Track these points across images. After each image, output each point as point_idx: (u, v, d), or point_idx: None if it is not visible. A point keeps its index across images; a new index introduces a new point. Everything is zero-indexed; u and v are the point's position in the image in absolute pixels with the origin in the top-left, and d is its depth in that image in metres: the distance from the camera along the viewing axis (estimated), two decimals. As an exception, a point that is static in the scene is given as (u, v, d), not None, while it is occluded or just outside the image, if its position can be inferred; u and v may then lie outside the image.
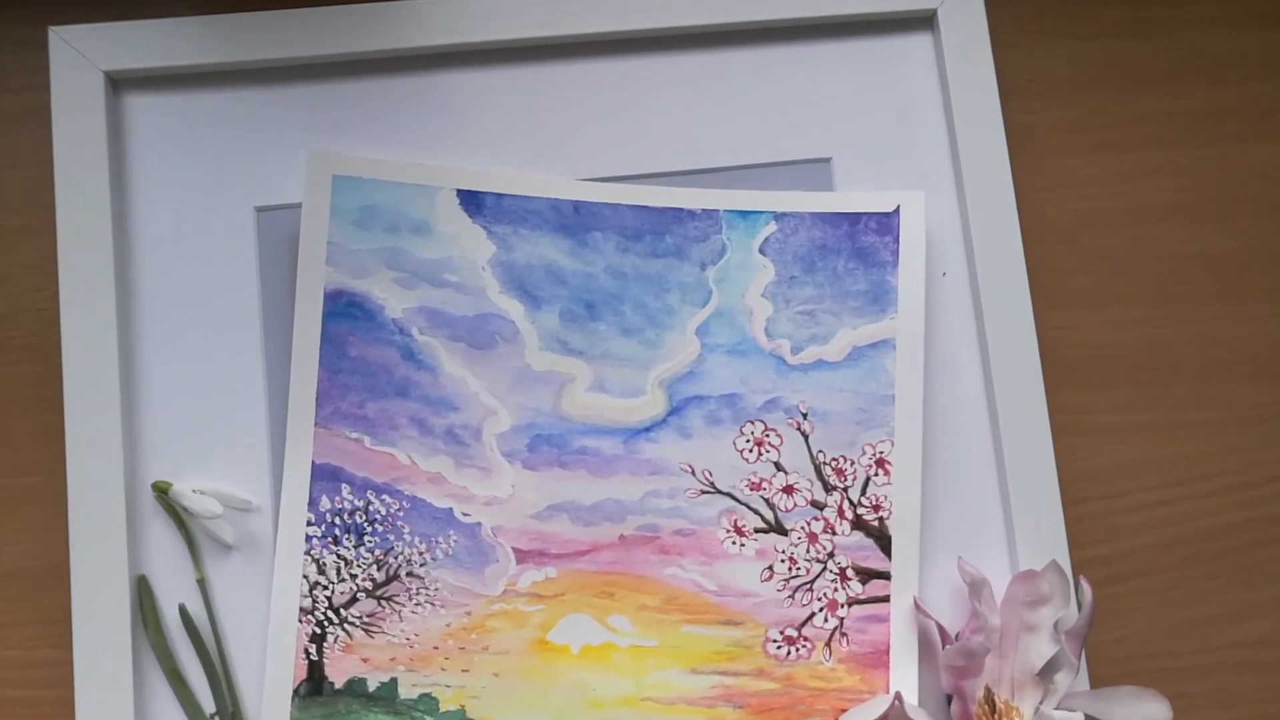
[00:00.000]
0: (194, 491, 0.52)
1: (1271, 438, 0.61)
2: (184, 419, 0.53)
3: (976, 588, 0.51)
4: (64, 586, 0.52)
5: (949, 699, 0.52)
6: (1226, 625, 0.59)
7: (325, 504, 0.52)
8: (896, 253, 0.55)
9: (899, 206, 0.55)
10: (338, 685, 0.51)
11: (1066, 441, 0.59)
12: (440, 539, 0.53)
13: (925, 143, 0.57)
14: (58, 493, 0.54)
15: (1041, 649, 0.51)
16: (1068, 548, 0.54)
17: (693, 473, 0.54)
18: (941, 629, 0.51)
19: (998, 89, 0.57)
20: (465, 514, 0.53)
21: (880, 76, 0.58)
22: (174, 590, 0.52)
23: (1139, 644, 0.58)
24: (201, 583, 0.52)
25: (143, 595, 0.51)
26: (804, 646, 0.53)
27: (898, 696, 0.49)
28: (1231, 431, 0.60)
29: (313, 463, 0.52)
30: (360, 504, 0.52)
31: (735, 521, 0.54)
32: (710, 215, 0.55)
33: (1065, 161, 0.62)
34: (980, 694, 0.51)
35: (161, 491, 0.52)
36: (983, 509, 0.55)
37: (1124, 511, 0.59)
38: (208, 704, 0.52)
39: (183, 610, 0.52)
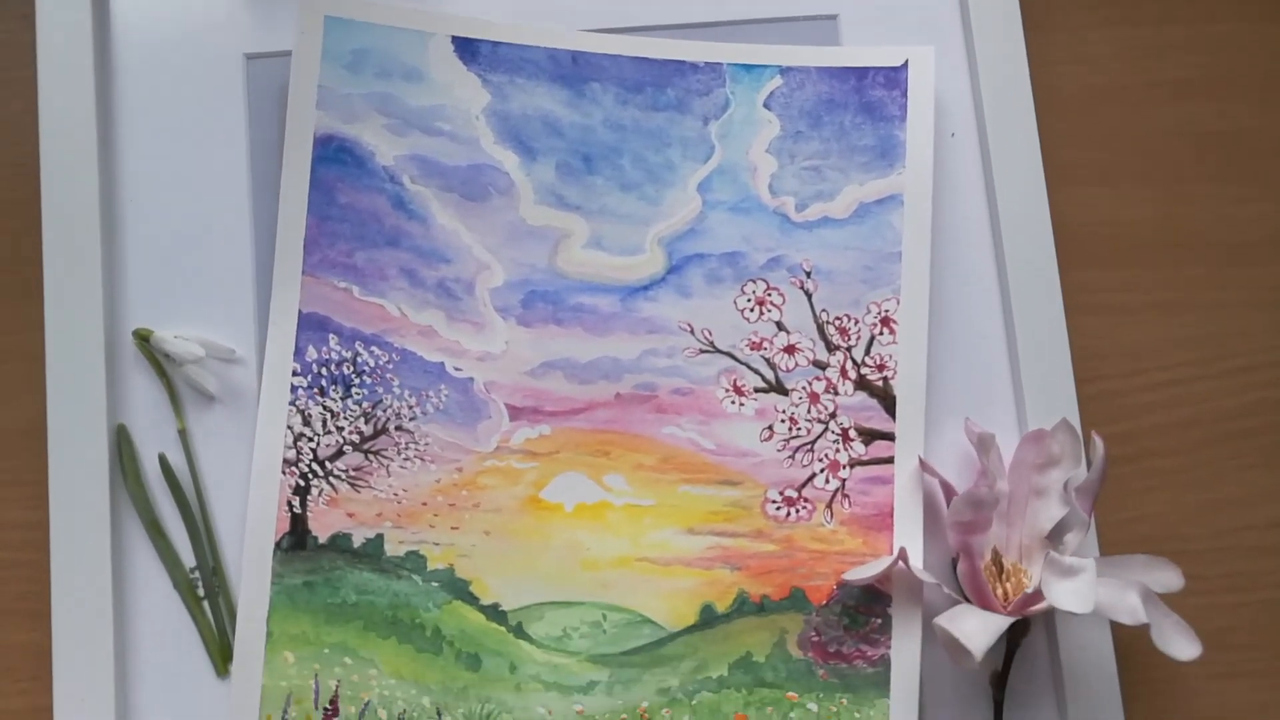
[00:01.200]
0: (175, 338, 0.50)
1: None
2: (167, 267, 0.52)
3: (984, 444, 0.49)
4: (40, 448, 0.50)
5: (954, 564, 0.50)
6: (1241, 508, 0.57)
7: (312, 354, 0.51)
8: (905, 107, 0.53)
9: (907, 61, 0.53)
10: (321, 540, 0.50)
11: (1078, 320, 0.57)
12: (431, 393, 0.51)
13: (935, 5, 0.56)
14: (35, 351, 0.52)
15: (1051, 512, 0.50)
16: (1078, 410, 0.52)
17: (692, 332, 0.52)
18: (947, 487, 0.49)
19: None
20: (457, 369, 0.51)
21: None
22: (154, 442, 0.50)
23: (1151, 525, 0.56)
24: (183, 433, 0.50)
25: (122, 445, 0.50)
26: (804, 508, 0.51)
27: (902, 553, 0.47)
28: (1247, 313, 0.59)
29: (300, 312, 0.51)
30: (348, 355, 0.51)
31: (735, 381, 0.52)
32: (713, 69, 0.53)
33: (1079, 35, 0.60)
34: (988, 555, 0.49)
35: (143, 339, 0.50)
36: (991, 373, 0.53)
37: (1137, 391, 0.58)
38: (187, 558, 0.50)
39: (163, 460, 0.50)
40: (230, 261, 0.51)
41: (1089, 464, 0.49)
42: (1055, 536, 0.50)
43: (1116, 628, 0.52)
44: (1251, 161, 0.60)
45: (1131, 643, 0.54)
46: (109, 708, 0.48)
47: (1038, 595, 0.47)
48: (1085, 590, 0.43)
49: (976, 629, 0.45)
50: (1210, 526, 0.57)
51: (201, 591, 0.50)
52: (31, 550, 0.51)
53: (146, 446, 0.50)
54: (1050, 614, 0.51)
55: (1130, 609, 0.45)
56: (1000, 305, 0.53)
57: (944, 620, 0.45)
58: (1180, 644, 0.45)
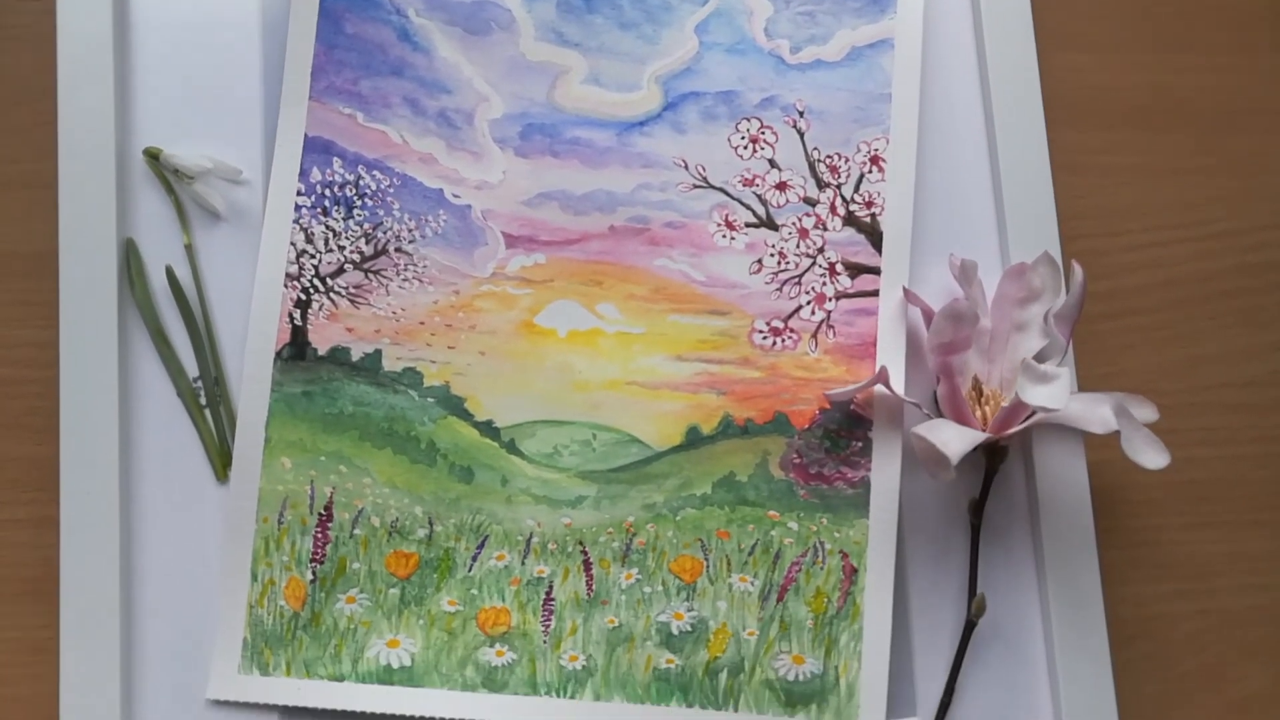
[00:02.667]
0: (187, 158, 0.51)
1: (1269, 189, 0.60)
2: (177, 90, 0.53)
3: (967, 274, 0.51)
4: (51, 272, 0.52)
5: (935, 394, 0.51)
6: (1218, 366, 0.58)
7: (316, 176, 0.52)
8: (898, -45, 0.54)
9: (903, -89, 0.54)
10: (321, 352, 0.51)
11: (1063, 180, 0.58)
12: (430, 218, 0.52)
13: None
14: (48, 179, 0.53)
15: (1031, 344, 0.51)
16: (1060, 245, 0.53)
17: (685, 167, 0.53)
18: (929, 315, 0.51)
19: None
20: (455, 195, 0.53)
21: None
22: (162, 257, 0.52)
23: (1130, 380, 0.58)
24: (189, 248, 0.52)
25: (130, 259, 0.51)
26: (790, 338, 0.52)
27: (882, 372, 0.48)
28: (1230, 179, 0.60)
29: (305, 135, 0.52)
30: (351, 178, 0.52)
31: (726, 216, 0.53)
32: (713, -83, 0.55)
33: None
34: (969, 378, 0.51)
35: (152, 157, 0.52)
36: (975, 214, 0.54)
37: (1120, 251, 0.59)
38: (190, 368, 0.51)
39: (169, 271, 0.51)
40: (239, 86, 0.53)
41: (1068, 290, 0.51)
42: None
43: (1093, 472, 0.54)
44: (1240, 33, 0.61)
45: (1107, 493, 0.56)
46: (113, 513, 0.49)
47: (1016, 411, 0.49)
48: (1059, 390, 0.45)
49: (954, 437, 0.47)
50: (1188, 382, 0.58)
51: (203, 400, 0.51)
52: (40, 368, 0.53)
53: (154, 261, 0.52)
54: (1028, 446, 0.53)
55: (1102, 419, 0.46)
56: (986, 149, 0.55)
57: (922, 429, 0.47)
58: (1149, 454, 0.46)
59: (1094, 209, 0.59)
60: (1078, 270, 0.49)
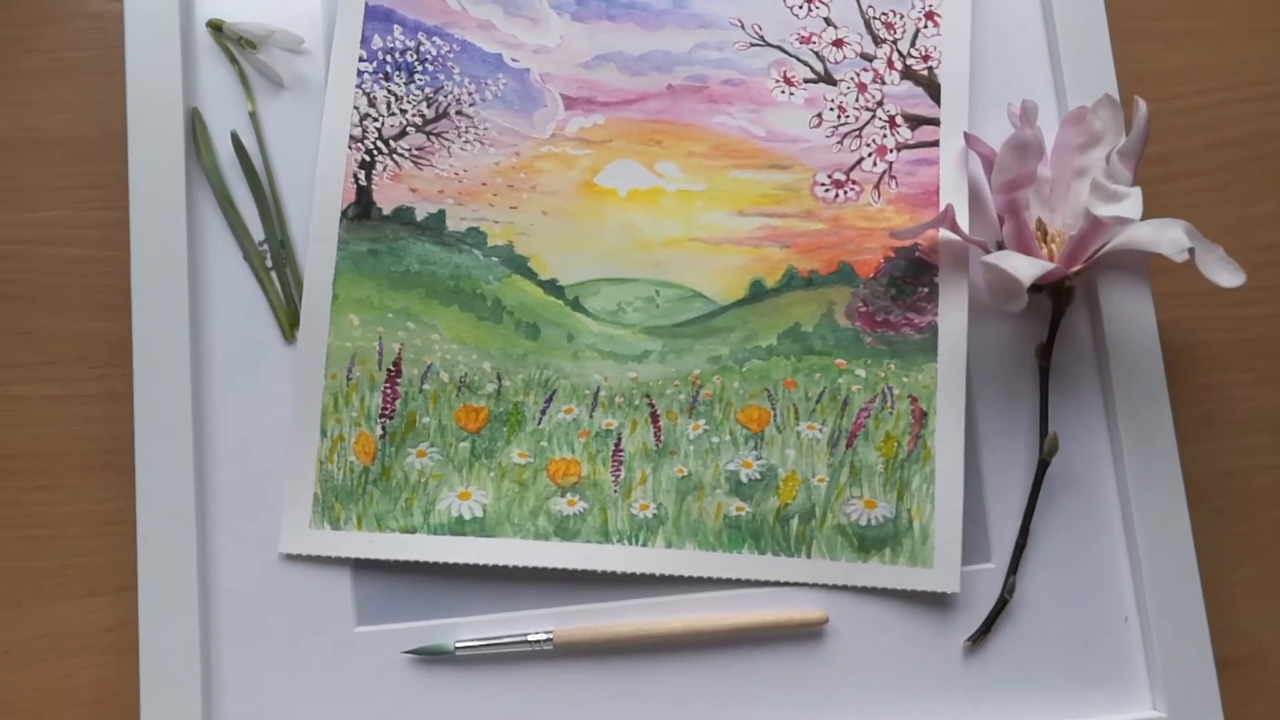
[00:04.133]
0: (249, 29, 0.52)
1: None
2: (238, -35, 0.54)
3: (1028, 115, 0.50)
4: (120, 154, 0.52)
5: (999, 242, 0.51)
6: (1277, 225, 0.58)
7: (377, 43, 0.53)
8: None
9: None
10: (385, 211, 0.52)
11: (1117, 46, 0.58)
12: (489, 81, 0.53)
13: None
14: (115, 64, 0.54)
15: (1094, 188, 0.51)
16: (1118, 92, 0.53)
17: (742, 27, 0.54)
18: (990, 159, 0.51)
19: None
20: (514, 60, 0.53)
21: None
22: (227, 125, 0.53)
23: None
24: (253, 115, 0.52)
25: (196, 127, 0.52)
26: (852, 189, 0.53)
27: (948, 210, 0.48)
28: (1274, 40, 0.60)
29: (365, 3, 0.53)
30: (411, 44, 0.53)
31: (785, 73, 0.53)
32: None
33: None
34: (1035, 213, 0.50)
35: (215, 29, 0.53)
36: (1032, 65, 0.54)
37: (1176, 114, 0.59)
38: (256, 232, 0.52)
39: (235, 137, 0.52)
40: (299, -42, 0.54)
41: (1131, 129, 0.50)
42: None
43: (1161, 310, 0.53)
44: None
45: (1174, 351, 0.55)
46: (185, 381, 0.49)
47: (1084, 243, 0.48)
48: (1133, 204, 0.44)
49: (1024, 264, 0.46)
50: (1247, 241, 0.58)
51: (269, 263, 0.52)
52: (111, 248, 0.53)
53: (219, 130, 0.52)
54: (1093, 293, 0.52)
55: (1174, 240, 0.46)
56: (1042, 3, 0.55)
57: (993, 258, 0.47)
58: (1225, 273, 0.46)
59: (1147, 73, 0.59)
60: (1141, 105, 0.49)
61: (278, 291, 0.51)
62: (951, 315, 0.51)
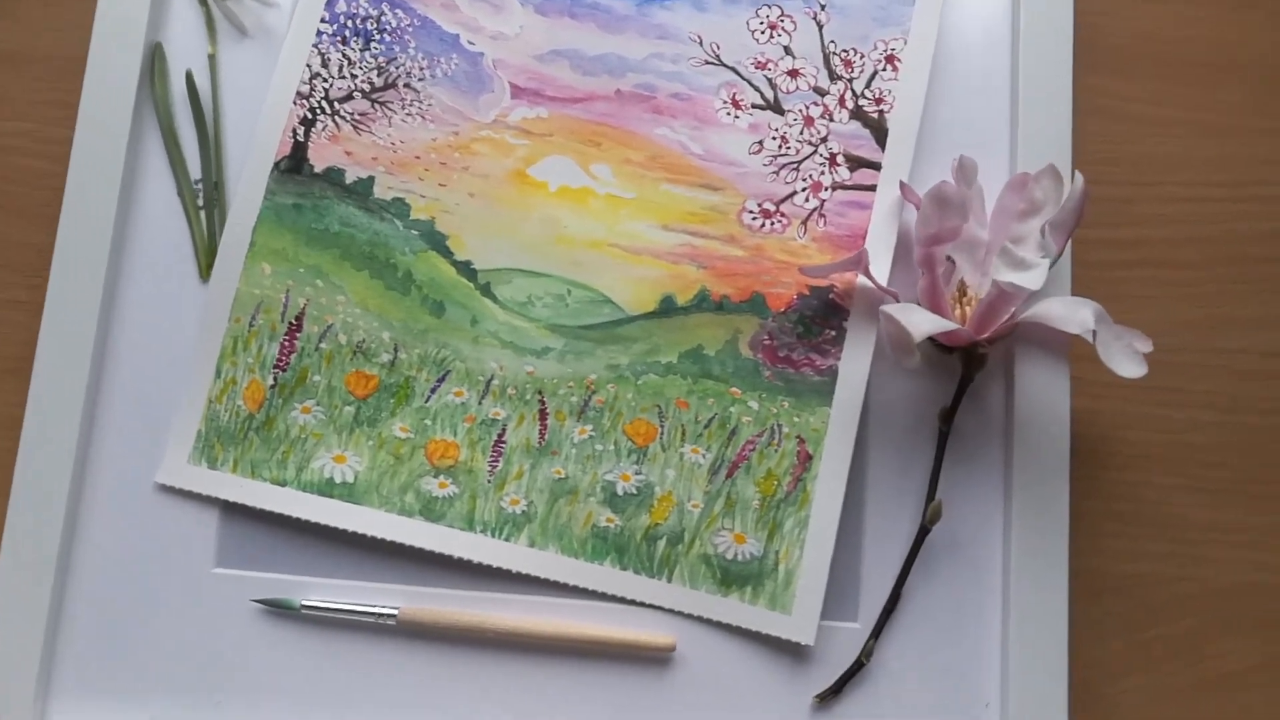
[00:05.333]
0: (221, -27, 0.54)
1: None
2: (226, -86, 0.55)
3: (966, 173, 0.49)
4: (79, 72, 0.54)
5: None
6: (1238, 331, 0.56)
7: (341, 6, 0.54)
8: None
9: None
10: (317, 169, 0.52)
11: (1104, 125, 0.57)
12: (442, 59, 0.53)
13: None
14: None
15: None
16: (1071, 165, 0.51)
17: (700, 43, 0.53)
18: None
19: None
20: (471, 42, 0.54)
21: None
22: (185, 63, 0.54)
23: (1144, 330, 0.55)
24: (212, 59, 0.54)
25: (155, 60, 0.53)
26: (779, 221, 0.52)
27: (862, 254, 0.47)
28: None
29: (336, -34, 0.54)
30: (374, 13, 0.54)
31: (734, 95, 0.53)
32: None
33: None
34: (955, 286, 0.49)
35: (192, -30, 0.54)
36: (988, 125, 0.53)
37: (1155, 200, 0.57)
38: (195, 171, 0.53)
39: (189, 76, 0.53)
40: (283, -85, 0.55)
41: (1068, 201, 0.49)
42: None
43: (1081, 420, 0.51)
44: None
45: (1094, 442, 0.53)
46: (95, 298, 0.51)
47: (994, 307, 0.47)
48: (1035, 275, 0.43)
49: (920, 319, 0.45)
50: (1204, 344, 0.55)
51: (201, 202, 0.53)
52: (53, 161, 0.55)
53: (178, 66, 0.54)
54: (1010, 364, 0.51)
55: (1081, 320, 0.44)
56: (1009, 62, 0.53)
57: (892, 308, 0.46)
58: (1126, 363, 0.44)
59: (1131, 156, 0.57)
60: (1078, 179, 0.48)
61: (203, 231, 0.52)
62: (854, 362, 0.50)
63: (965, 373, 0.49)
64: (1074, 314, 0.45)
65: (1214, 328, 0.56)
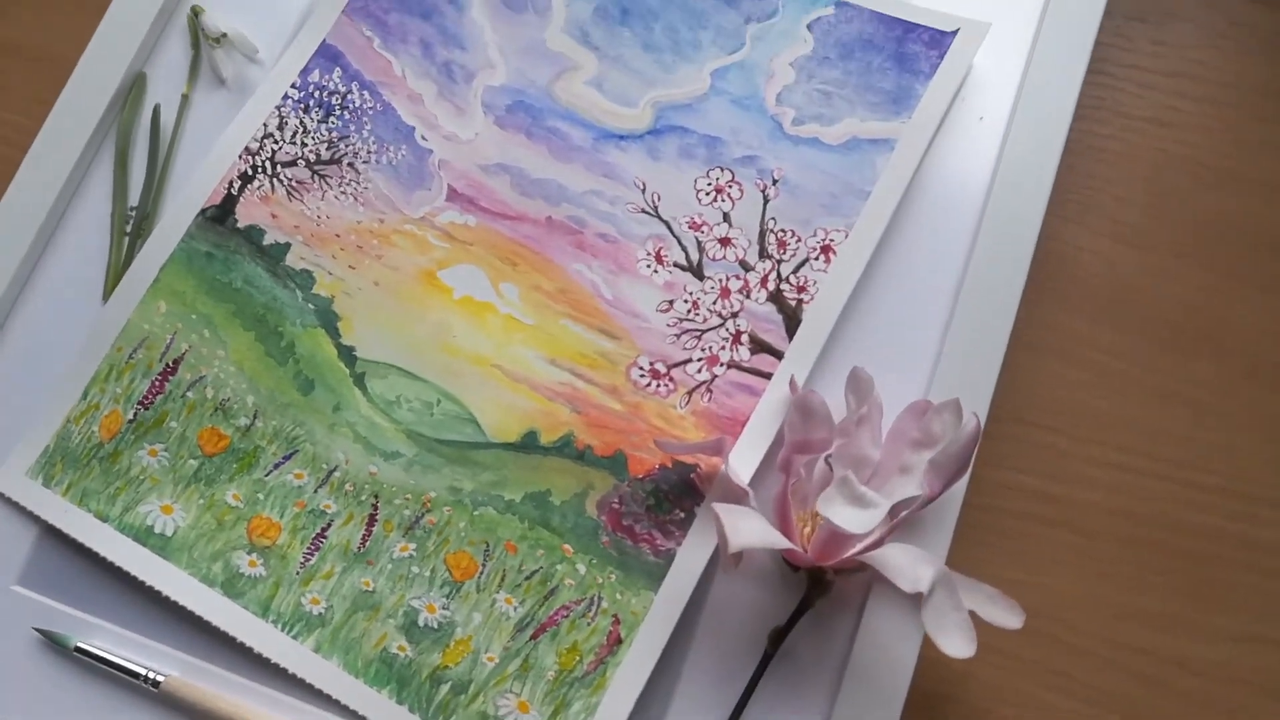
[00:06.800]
0: (222, 24, 0.55)
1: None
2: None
3: (860, 387, 0.46)
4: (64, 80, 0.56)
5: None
6: (1143, 625, 0.50)
7: (315, 76, 0.55)
8: (936, 67, 0.52)
9: (959, 30, 0.52)
10: (240, 224, 0.53)
11: (1047, 363, 0.53)
12: (391, 147, 0.54)
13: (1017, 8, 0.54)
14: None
15: (906, 490, 0.45)
16: (988, 412, 0.47)
17: (643, 190, 0.52)
18: (805, 413, 0.46)
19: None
20: (424, 138, 0.54)
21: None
22: (160, 97, 0.56)
23: (1043, 598, 0.50)
24: (185, 98, 0.56)
25: (134, 87, 0.56)
26: (666, 385, 0.49)
27: (721, 441, 0.44)
28: (1243, 434, 0.52)
29: (324, 40, 0.55)
30: (343, 89, 0.55)
31: (660, 249, 0.51)
32: (775, -19, 0.54)
33: (1164, 101, 0.57)
34: (810, 507, 0.45)
35: (195, 14, 0.56)
36: (910, 344, 0.49)
37: (1085, 462, 0.52)
38: (136, 199, 0.54)
39: (156, 109, 0.55)
40: (293, -17, 0.57)
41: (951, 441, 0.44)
42: (895, 513, 0.45)
43: (927, 647, 0.46)
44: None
45: (938, 686, 0.48)
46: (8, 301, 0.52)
47: (838, 539, 0.43)
48: (865, 516, 0.39)
49: (750, 528, 0.41)
50: (1106, 632, 0.50)
51: (129, 228, 0.54)
52: (15, 150, 0.57)
53: (153, 97, 0.56)
54: (864, 602, 0.46)
55: (915, 578, 0.40)
56: (954, 285, 0.50)
57: (723, 508, 0.42)
58: (955, 639, 0.39)
59: (1074, 405, 0.52)
60: (971, 421, 0.43)
61: (120, 255, 0.53)
62: (694, 552, 0.46)
63: (806, 597, 0.45)
64: (912, 569, 0.40)
65: (1121, 618, 0.50)
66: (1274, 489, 0.51)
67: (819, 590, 0.45)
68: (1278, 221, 0.55)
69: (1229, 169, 0.56)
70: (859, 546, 0.43)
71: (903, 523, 0.45)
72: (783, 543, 0.42)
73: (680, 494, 0.47)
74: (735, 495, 0.46)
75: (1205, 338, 0.53)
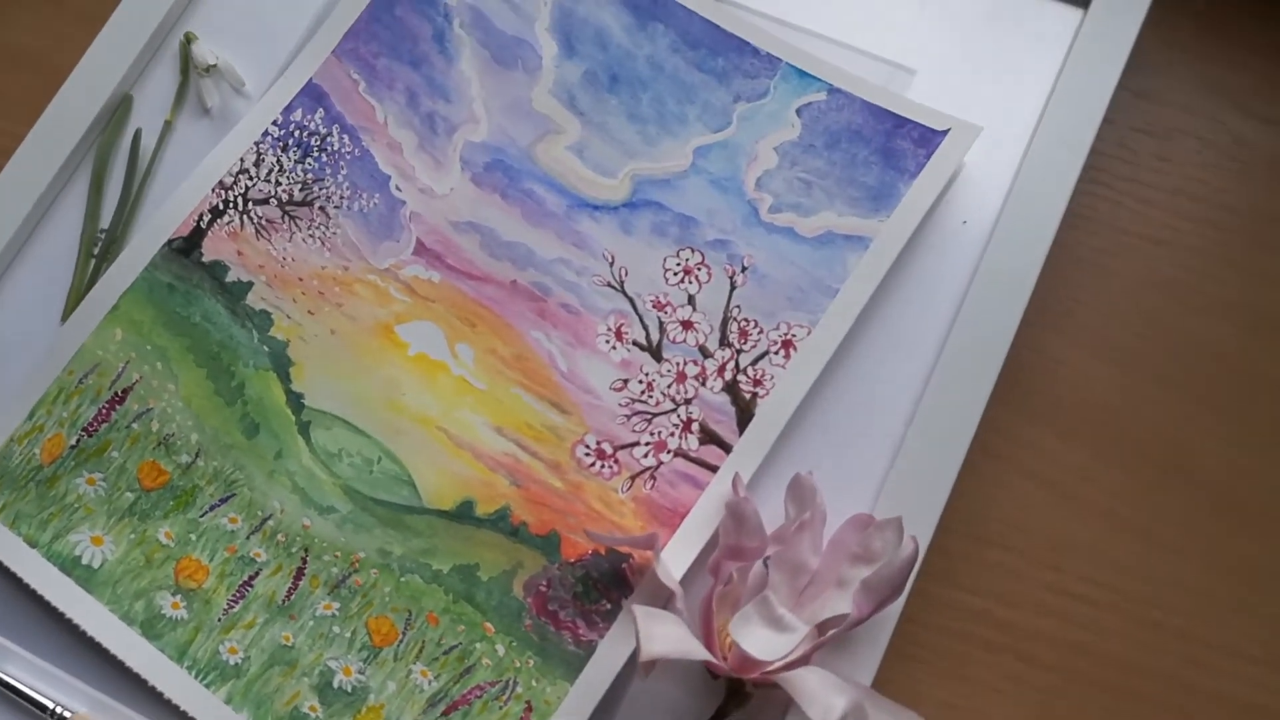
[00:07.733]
0: (212, 54, 0.55)
1: (1245, 605, 0.49)
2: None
3: (802, 493, 0.45)
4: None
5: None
6: (1085, 771, 0.48)
7: (297, 115, 0.54)
8: (922, 167, 0.50)
9: (950, 131, 0.51)
10: (205, 258, 0.53)
11: (1010, 481, 0.51)
12: (365, 195, 0.53)
13: (1020, 104, 0.53)
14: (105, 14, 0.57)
15: (837, 606, 0.44)
16: (934, 529, 0.46)
17: (611, 263, 0.51)
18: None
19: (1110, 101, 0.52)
20: (398, 188, 0.53)
21: (1018, 38, 0.54)
22: (143, 121, 0.56)
23: (972, 723, 0.48)
24: (168, 125, 0.55)
25: (119, 109, 0.55)
26: (610, 467, 0.48)
27: (652, 537, 0.43)
28: (1210, 577, 0.50)
29: (309, 79, 0.55)
30: (323, 131, 0.54)
31: (620, 325, 0.50)
32: (771, 62, 0.53)
33: (1163, 221, 0.55)
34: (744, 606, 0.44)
35: (187, 42, 0.56)
36: (862, 452, 0.48)
37: (1039, 585, 0.50)
38: (107, 221, 0.54)
39: (137, 134, 0.55)
40: (292, 18, 0.57)
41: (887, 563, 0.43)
42: (824, 629, 0.44)
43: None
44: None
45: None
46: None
47: (758, 659, 0.42)
48: (781, 641, 0.38)
49: (665, 635, 0.40)
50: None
51: (97, 251, 0.54)
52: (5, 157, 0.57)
53: (137, 121, 0.56)
54: (785, 714, 0.44)
55: (826, 706, 0.38)
56: (915, 392, 0.49)
57: (642, 610, 0.41)
58: (858, 777, 0.38)
59: (1032, 525, 0.51)
60: (908, 544, 0.42)
61: (83, 278, 0.53)
62: (615, 646, 0.45)
63: (722, 707, 0.44)
64: (825, 696, 0.39)
65: (1059, 757, 0.48)
66: (1236, 638, 0.49)
67: (736, 701, 0.44)
68: (1267, 356, 0.53)
69: (1222, 296, 0.54)
70: (777, 665, 0.42)
71: (831, 640, 0.43)
72: (700, 654, 0.41)
73: (610, 584, 0.46)
74: (663, 594, 0.45)
75: (1176, 469, 0.51)
